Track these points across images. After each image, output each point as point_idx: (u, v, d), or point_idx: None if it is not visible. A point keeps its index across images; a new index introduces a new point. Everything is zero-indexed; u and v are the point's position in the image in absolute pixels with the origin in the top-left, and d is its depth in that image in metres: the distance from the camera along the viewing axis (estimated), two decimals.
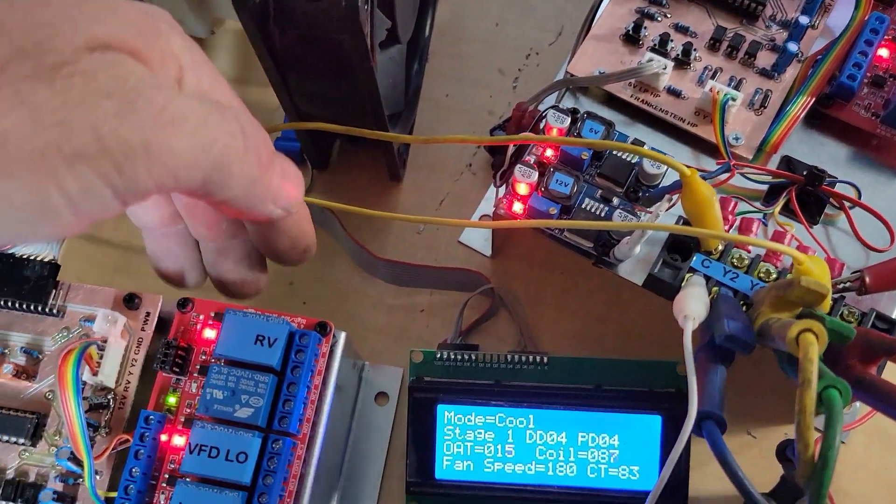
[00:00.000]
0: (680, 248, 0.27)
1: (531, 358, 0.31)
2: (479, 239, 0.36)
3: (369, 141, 0.36)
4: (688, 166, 0.25)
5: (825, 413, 0.20)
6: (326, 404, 0.27)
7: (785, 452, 0.25)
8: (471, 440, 0.30)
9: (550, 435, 0.30)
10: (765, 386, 0.32)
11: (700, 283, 0.25)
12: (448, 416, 0.30)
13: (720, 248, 0.27)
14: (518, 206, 0.29)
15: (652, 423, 0.30)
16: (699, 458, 0.31)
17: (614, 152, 0.29)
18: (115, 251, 0.37)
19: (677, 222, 0.28)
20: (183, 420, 0.26)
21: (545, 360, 0.31)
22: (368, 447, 0.33)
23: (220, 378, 0.25)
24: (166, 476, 0.25)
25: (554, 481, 0.30)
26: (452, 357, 0.31)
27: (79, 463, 0.25)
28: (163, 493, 0.25)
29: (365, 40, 0.26)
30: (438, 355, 0.31)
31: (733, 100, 0.29)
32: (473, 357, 0.31)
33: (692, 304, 0.24)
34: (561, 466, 0.30)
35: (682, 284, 0.26)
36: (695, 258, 0.27)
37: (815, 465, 0.19)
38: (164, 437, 0.26)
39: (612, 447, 0.30)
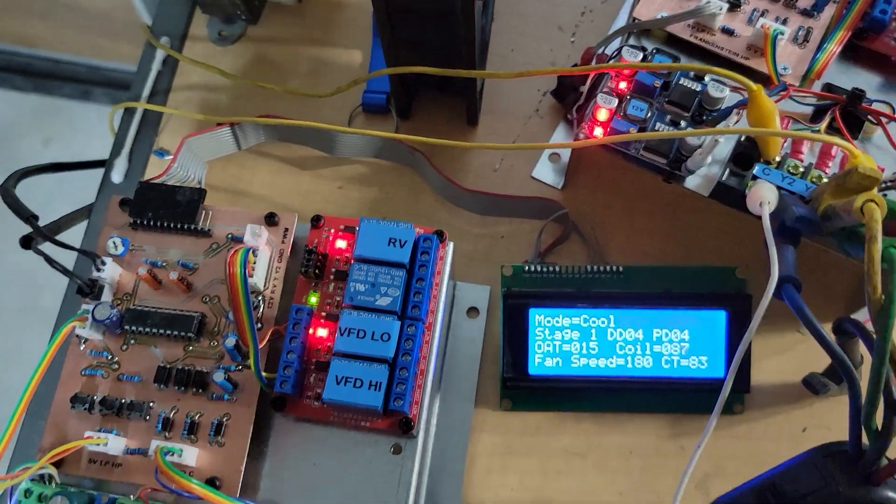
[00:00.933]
0: (743, 160, 0.32)
1: (608, 268, 0.36)
2: (549, 174, 0.40)
3: (451, 89, 0.40)
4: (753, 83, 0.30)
5: (887, 267, 0.24)
6: (442, 298, 0.31)
7: (841, 325, 0.29)
8: (559, 339, 0.35)
9: (629, 332, 0.35)
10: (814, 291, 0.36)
11: (767, 183, 0.30)
12: (538, 319, 0.35)
13: (778, 158, 0.32)
14: (599, 131, 0.33)
15: (718, 319, 0.34)
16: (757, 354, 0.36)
17: (681, 81, 0.33)
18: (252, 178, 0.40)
19: (739, 141, 0.32)
20: (324, 315, 0.30)
21: (620, 268, 0.35)
22: (463, 355, 0.37)
23: (361, 273, 0.29)
24: (314, 361, 0.30)
25: (632, 373, 0.35)
26: (538, 269, 0.36)
27: (240, 351, 0.30)
28: (312, 374, 0.30)
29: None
30: (526, 268, 0.36)
31: (782, 34, 0.34)
32: (557, 269, 0.36)
33: (767, 192, 0.28)
34: (638, 359, 0.35)
35: (747, 189, 0.31)
36: (757, 167, 0.31)
37: (882, 302, 0.23)
38: (310, 331, 0.30)
39: (684, 341, 0.34)
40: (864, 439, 0.26)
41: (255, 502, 0.29)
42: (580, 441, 0.35)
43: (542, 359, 0.35)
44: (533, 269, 0.36)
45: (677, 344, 0.35)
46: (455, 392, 0.36)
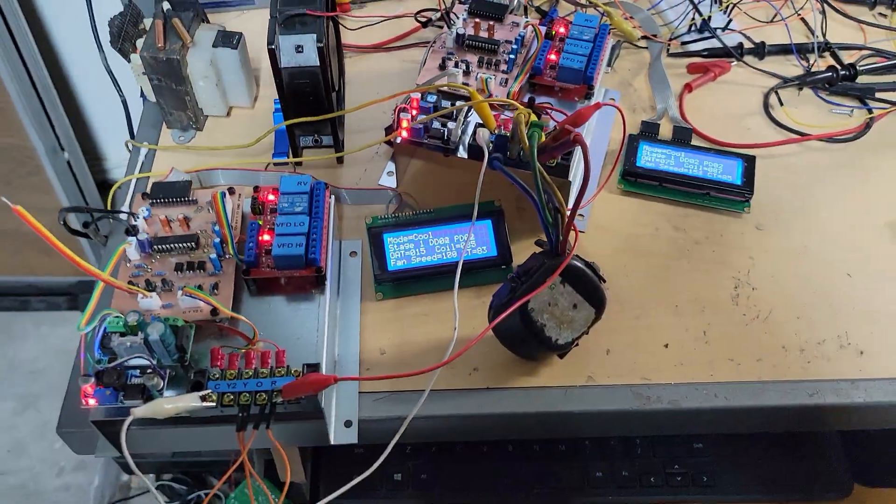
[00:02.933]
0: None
1: (424, 211, 0.63)
2: (389, 181, 0.68)
3: (325, 137, 0.68)
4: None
5: (529, 140, 0.53)
6: (331, 214, 0.57)
7: (536, 244, 0.57)
8: (402, 249, 0.60)
9: (440, 239, 0.61)
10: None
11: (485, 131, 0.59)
12: (389, 239, 0.61)
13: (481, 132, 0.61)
14: (405, 134, 0.62)
15: (488, 225, 0.61)
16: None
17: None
18: None
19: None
20: (267, 227, 0.55)
21: (431, 209, 0.63)
22: (350, 276, 0.62)
23: (286, 199, 0.55)
24: (263, 249, 0.54)
25: (446, 261, 0.60)
26: (386, 217, 0.62)
27: (222, 246, 0.54)
28: (263, 257, 0.54)
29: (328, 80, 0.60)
30: (380, 217, 0.62)
31: (491, 78, 0.65)
32: (396, 216, 0.62)
33: (484, 133, 0.57)
34: (448, 253, 0.61)
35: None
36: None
37: (524, 145, 0.52)
38: (261, 236, 0.55)
39: (471, 241, 0.61)
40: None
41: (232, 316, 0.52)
42: (423, 307, 0.60)
43: (395, 261, 0.60)
44: (382, 218, 0.62)
45: (467, 242, 0.61)
46: (349, 294, 0.61)
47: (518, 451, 0.62)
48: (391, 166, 0.69)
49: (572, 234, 0.53)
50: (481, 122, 0.61)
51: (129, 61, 0.67)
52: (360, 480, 0.46)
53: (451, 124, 0.61)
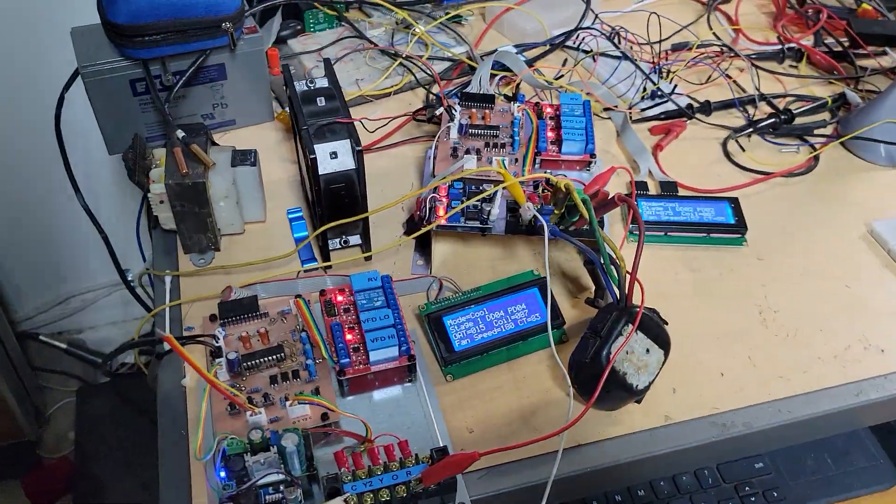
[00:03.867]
0: (512, 208, 0.65)
1: (471, 291, 0.65)
2: (423, 269, 0.70)
3: (351, 237, 0.70)
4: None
5: (585, 206, 0.58)
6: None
7: (586, 302, 0.61)
8: (463, 328, 0.63)
9: (496, 314, 0.63)
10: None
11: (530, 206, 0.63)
12: (449, 322, 0.63)
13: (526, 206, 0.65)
14: (442, 221, 0.65)
15: (534, 293, 0.65)
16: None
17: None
18: None
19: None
20: (347, 326, 0.56)
21: (479, 288, 0.65)
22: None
23: (362, 296, 0.57)
24: (352, 347, 0.55)
25: (504, 333, 0.63)
26: (436, 301, 0.64)
27: (314, 352, 0.54)
28: (353, 355, 0.55)
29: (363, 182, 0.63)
30: (431, 302, 0.64)
31: (504, 160, 0.69)
32: (446, 297, 0.65)
33: (529, 207, 0.61)
34: (505, 325, 0.63)
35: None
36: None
37: (585, 213, 0.56)
38: (346, 336, 0.56)
39: (523, 309, 0.64)
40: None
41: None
42: (494, 381, 0.62)
43: (460, 341, 0.62)
44: (434, 303, 0.64)
45: (521, 311, 0.64)
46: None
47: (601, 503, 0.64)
48: (417, 257, 0.71)
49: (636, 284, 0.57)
50: (509, 199, 0.65)
51: (147, 192, 0.66)
52: None
53: (486, 205, 0.65)
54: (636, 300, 0.58)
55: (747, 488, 0.65)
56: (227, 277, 0.68)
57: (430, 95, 0.86)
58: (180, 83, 0.71)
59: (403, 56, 0.88)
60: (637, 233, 0.72)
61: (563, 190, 0.61)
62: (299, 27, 0.93)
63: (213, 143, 0.71)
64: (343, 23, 0.93)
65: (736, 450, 0.61)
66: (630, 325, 0.57)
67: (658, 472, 0.63)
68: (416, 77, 0.87)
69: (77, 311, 1.61)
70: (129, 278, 1.65)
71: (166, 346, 0.60)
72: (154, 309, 0.66)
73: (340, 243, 0.70)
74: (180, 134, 0.67)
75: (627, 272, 0.58)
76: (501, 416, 0.60)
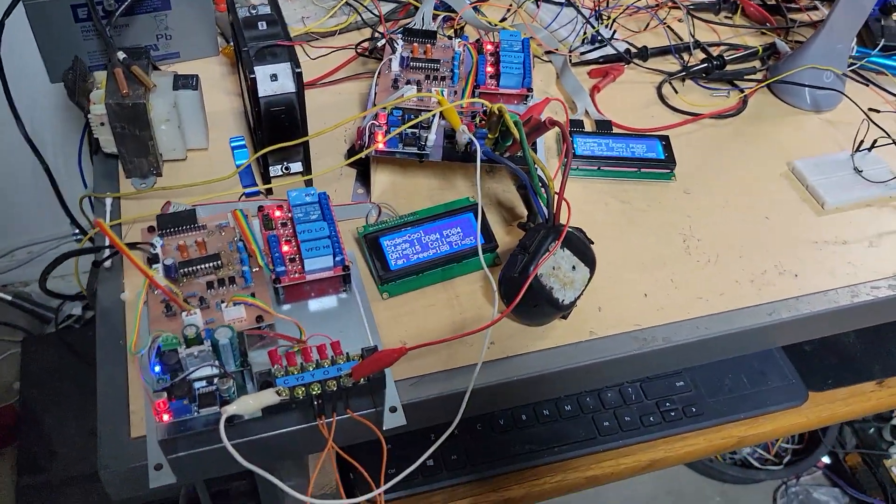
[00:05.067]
0: (449, 136, 0.67)
1: (407, 215, 0.67)
2: (363, 196, 0.72)
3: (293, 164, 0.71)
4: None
5: (516, 127, 0.60)
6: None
7: (518, 226, 0.64)
8: (399, 248, 0.65)
9: (431, 236, 0.66)
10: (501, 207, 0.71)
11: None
12: (386, 243, 0.65)
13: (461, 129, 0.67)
14: (380, 146, 0.67)
15: (469, 217, 0.67)
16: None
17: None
18: None
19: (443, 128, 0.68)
20: (284, 238, 0.58)
21: (416, 212, 0.67)
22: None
23: (300, 209, 0.58)
24: (287, 257, 0.57)
25: (438, 254, 0.65)
26: (374, 224, 0.66)
27: (249, 259, 0.56)
28: (289, 265, 0.57)
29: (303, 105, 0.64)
30: (370, 225, 0.66)
31: (443, 91, 0.71)
32: (383, 221, 0.66)
33: (465, 131, 0.63)
34: (440, 247, 0.66)
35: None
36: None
37: (516, 134, 0.59)
38: (283, 248, 0.57)
39: (459, 232, 0.66)
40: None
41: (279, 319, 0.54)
42: (429, 299, 0.64)
43: (396, 260, 0.64)
44: (372, 226, 0.66)
45: (455, 235, 0.67)
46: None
47: (530, 418, 0.67)
48: (357, 186, 0.73)
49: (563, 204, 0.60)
50: (446, 127, 0.67)
51: (87, 113, 0.67)
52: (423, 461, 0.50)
53: (423, 132, 0.67)
54: (563, 222, 0.61)
55: (668, 404, 0.69)
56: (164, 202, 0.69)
57: (375, 33, 0.87)
58: (121, 9, 0.72)
59: None
60: (572, 166, 0.75)
61: (496, 113, 0.63)
62: None
63: (156, 68, 0.71)
64: None
65: (657, 365, 0.65)
66: (556, 242, 0.59)
67: (582, 384, 0.66)
68: (361, 17, 0.88)
69: (22, 264, 1.60)
70: (75, 231, 1.64)
71: (104, 254, 0.61)
72: (94, 228, 0.67)
73: (281, 170, 0.71)
74: (121, 56, 0.67)
75: (556, 193, 0.61)
76: (435, 331, 0.62)
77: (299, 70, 0.63)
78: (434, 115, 0.66)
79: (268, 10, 0.69)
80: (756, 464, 1.38)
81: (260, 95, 0.63)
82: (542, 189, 0.61)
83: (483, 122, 0.69)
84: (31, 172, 1.42)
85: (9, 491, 1.32)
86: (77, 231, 1.62)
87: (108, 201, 0.69)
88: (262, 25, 0.66)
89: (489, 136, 0.65)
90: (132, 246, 0.56)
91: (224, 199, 0.68)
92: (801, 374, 0.74)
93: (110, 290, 0.62)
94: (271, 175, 0.70)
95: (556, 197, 0.60)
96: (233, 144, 0.74)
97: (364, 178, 0.73)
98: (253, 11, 0.68)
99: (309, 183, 0.72)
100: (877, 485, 1.42)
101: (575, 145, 0.76)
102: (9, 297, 1.56)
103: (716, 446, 0.70)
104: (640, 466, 0.68)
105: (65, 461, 1.31)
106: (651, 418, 0.67)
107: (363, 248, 0.65)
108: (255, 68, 0.63)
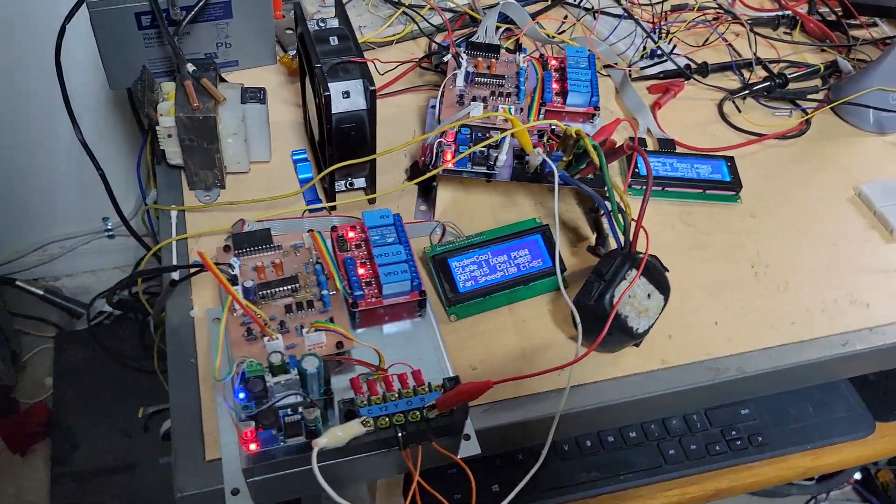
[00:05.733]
0: (518, 155, 0.66)
1: (474, 236, 0.67)
2: (426, 214, 0.71)
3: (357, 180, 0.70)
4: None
5: (596, 152, 0.59)
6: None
7: (588, 250, 0.63)
8: (467, 270, 0.64)
9: (499, 258, 0.65)
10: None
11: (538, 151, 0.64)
12: (455, 265, 0.64)
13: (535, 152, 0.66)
14: (450, 165, 0.66)
15: (538, 238, 0.66)
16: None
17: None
18: None
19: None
20: (360, 261, 0.57)
21: (482, 233, 0.67)
22: None
23: (376, 233, 0.58)
24: (364, 281, 0.56)
25: (509, 276, 0.64)
26: (441, 245, 0.65)
27: (328, 284, 0.55)
28: (366, 289, 0.56)
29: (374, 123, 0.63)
30: (436, 245, 0.65)
31: (510, 109, 0.70)
32: (450, 241, 0.66)
33: (537, 153, 0.62)
34: (509, 269, 0.65)
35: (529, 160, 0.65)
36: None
37: (595, 159, 0.58)
38: (359, 270, 0.57)
39: (527, 254, 0.66)
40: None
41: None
42: (497, 322, 0.64)
43: (464, 282, 0.64)
44: (439, 246, 0.65)
45: (523, 257, 0.66)
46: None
47: (595, 444, 0.66)
48: (420, 202, 0.72)
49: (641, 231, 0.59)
50: (515, 146, 0.67)
51: (156, 124, 0.66)
52: (524, 483, 0.49)
53: (492, 151, 0.66)
54: (639, 249, 0.60)
55: (733, 433, 0.68)
56: (232, 214, 0.68)
57: (433, 44, 0.86)
58: (189, 17, 0.71)
59: (406, 4, 0.88)
60: (636, 186, 0.74)
61: (574, 136, 0.62)
62: None
63: (222, 80, 0.71)
64: None
65: (726, 395, 0.64)
66: (634, 270, 0.58)
67: (652, 413, 0.65)
68: (419, 26, 0.87)
69: (55, 259, 1.60)
70: (108, 227, 1.64)
71: (176, 276, 0.60)
72: (159, 242, 0.66)
73: (345, 185, 0.70)
74: (191, 68, 0.66)
75: (632, 220, 0.60)
76: (503, 356, 0.61)
77: (373, 88, 0.62)
78: (505, 136, 0.65)
79: (336, 23, 0.68)
80: None
81: (333, 112, 0.63)
82: (620, 215, 0.60)
83: (552, 141, 0.68)
84: (66, 168, 1.41)
85: (43, 484, 1.32)
86: (109, 228, 1.62)
87: (174, 214, 0.68)
88: (334, 40, 0.65)
89: (563, 158, 0.64)
90: (185, 267, 0.55)
91: (288, 215, 0.68)
92: (867, 404, 0.73)
93: (179, 307, 0.61)
94: (336, 190, 0.70)
95: (634, 224, 0.59)
96: (295, 158, 0.74)
97: (425, 194, 0.73)
98: (322, 24, 0.67)
99: (373, 201, 0.71)
100: None
101: (638, 165, 0.75)
102: (40, 292, 1.56)
103: (781, 477, 0.70)
104: (706, 496, 0.67)
105: (95, 455, 1.32)
106: (717, 447, 0.66)
107: (431, 268, 0.64)
108: (329, 85, 0.62)
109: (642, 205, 0.59)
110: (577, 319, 0.55)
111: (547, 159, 0.62)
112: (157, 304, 0.61)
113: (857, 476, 1.48)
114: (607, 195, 0.60)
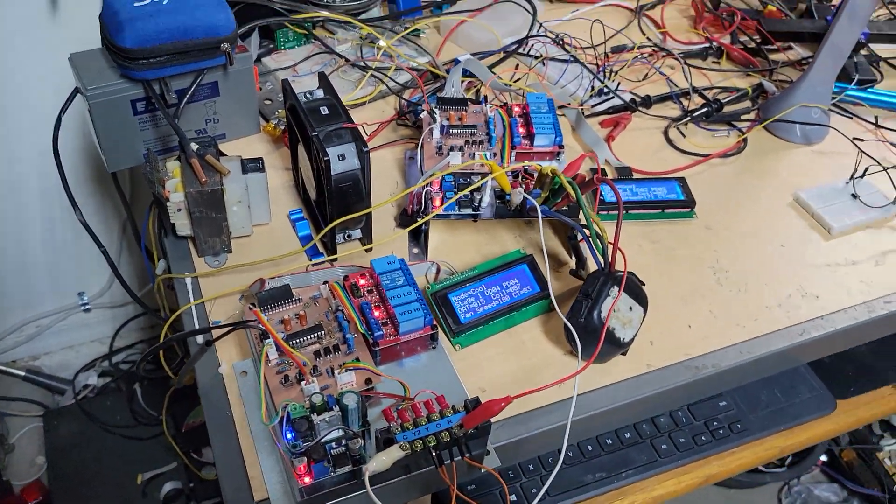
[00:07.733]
0: (499, 195, 0.74)
1: (468, 271, 0.74)
2: (419, 256, 0.78)
3: (353, 232, 0.77)
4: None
5: (571, 186, 0.67)
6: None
7: (571, 273, 0.70)
8: (466, 302, 0.71)
9: (492, 289, 0.72)
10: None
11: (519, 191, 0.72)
12: (454, 299, 0.71)
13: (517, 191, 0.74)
14: (440, 210, 0.73)
15: (525, 268, 0.74)
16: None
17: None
18: None
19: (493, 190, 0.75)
20: (374, 304, 0.64)
21: (475, 268, 0.74)
22: None
23: (386, 277, 0.64)
24: (382, 322, 0.63)
25: (502, 304, 0.71)
26: (440, 282, 0.72)
27: (350, 329, 0.61)
28: (385, 328, 0.62)
29: (368, 180, 0.70)
30: (436, 283, 0.72)
31: (486, 154, 0.78)
32: (446, 279, 0.73)
33: (519, 192, 0.70)
34: (502, 298, 0.72)
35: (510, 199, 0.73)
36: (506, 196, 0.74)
37: (572, 194, 0.66)
38: (374, 313, 0.63)
39: (516, 283, 0.73)
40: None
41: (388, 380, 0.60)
42: (497, 347, 0.70)
43: (465, 314, 0.70)
44: (437, 283, 0.72)
45: (514, 285, 0.73)
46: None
47: (595, 447, 0.73)
48: (412, 246, 0.79)
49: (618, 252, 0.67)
50: (495, 187, 0.74)
51: (166, 201, 0.72)
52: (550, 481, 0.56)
53: (476, 194, 0.74)
54: (618, 267, 0.68)
55: (715, 423, 0.76)
56: (241, 276, 0.74)
57: (402, 101, 0.93)
58: (185, 101, 0.77)
59: (374, 68, 0.96)
60: (603, 212, 0.82)
61: (550, 175, 0.70)
62: (272, 45, 0.99)
63: (222, 154, 0.77)
64: (312, 40, 1.00)
65: (707, 389, 0.72)
66: (616, 287, 0.66)
67: (645, 413, 0.72)
68: (388, 86, 0.95)
69: (31, 339, 1.61)
70: (84, 301, 1.65)
71: (199, 339, 0.66)
72: (177, 308, 0.71)
73: (344, 237, 0.77)
74: (194, 146, 0.73)
75: (609, 243, 0.68)
76: (509, 376, 0.68)
77: (367, 149, 0.69)
78: (487, 180, 0.73)
79: (321, 93, 0.75)
80: (761, 467, 1.46)
81: (333, 174, 0.69)
82: (598, 240, 0.68)
83: (526, 180, 0.76)
84: (37, 247, 1.44)
85: None
86: (86, 302, 1.63)
87: (188, 281, 0.74)
88: (324, 110, 0.72)
89: (542, 194, 0.72)
90: (244, 324, 0.61)
91: (295, 271, 0.74)
92: (826, 385, 0.82)
93: (207, 366, 0.67)
94: (336, 243, 0.76)
95: (611, 247, 0.67)
96: (293, 217, 0.80)
97: (416, 238, 0.80)
98: (309, 96, 0.74)
99: (370, 250, 0.78)
100: (873, 476, 1.51)
101: (603, 193, 0.83)
102: (22, 373, 1.57)
103: (761, 457, 0.78)
104: (699, 482, 0.75)
105: None
106: (703, 437, 0.74)
107: (432, 304, 0.71)
108: (327, 150, 0.69)
109: (617, 228, 0.67)
110: (575, 335, 0.63)
111: (528, 197, 0.70)
112: (185, 367, 0.67)
113: (824, 458, 1.58)
114: (584, 223, 0.68)
